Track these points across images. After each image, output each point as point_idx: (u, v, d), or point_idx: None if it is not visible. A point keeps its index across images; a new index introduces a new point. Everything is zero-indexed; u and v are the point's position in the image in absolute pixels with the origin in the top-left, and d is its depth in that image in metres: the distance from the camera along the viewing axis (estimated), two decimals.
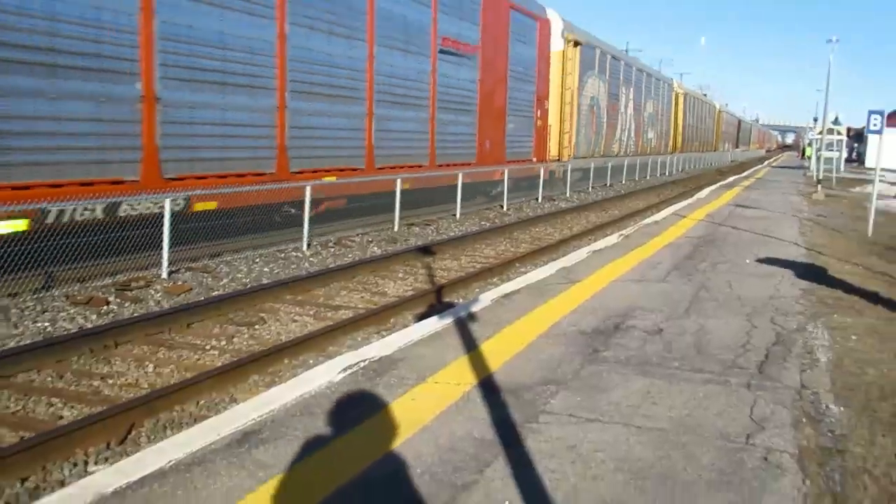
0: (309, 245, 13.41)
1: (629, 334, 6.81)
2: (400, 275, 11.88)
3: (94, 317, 8.59)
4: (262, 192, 12.84)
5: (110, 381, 6.63)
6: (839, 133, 37.31)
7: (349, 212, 16.15)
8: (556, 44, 27.07)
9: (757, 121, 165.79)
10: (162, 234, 10.45)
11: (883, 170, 54.10)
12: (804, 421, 4.78)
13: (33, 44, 9.35)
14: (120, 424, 5.42)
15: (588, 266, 10.52)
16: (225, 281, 10.73)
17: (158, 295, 9.67)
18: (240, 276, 11.09)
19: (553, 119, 27.51)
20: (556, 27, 27.20)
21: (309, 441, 4.30)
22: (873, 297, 8.93)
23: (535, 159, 25.81)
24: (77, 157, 10.03)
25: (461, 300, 9.80)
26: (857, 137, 67.15)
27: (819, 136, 44.08)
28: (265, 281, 10.81)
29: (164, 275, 10.40)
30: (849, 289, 9.39)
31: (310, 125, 14.43)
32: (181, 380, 6.53)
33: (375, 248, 14.06)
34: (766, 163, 77.84)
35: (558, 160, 27.69)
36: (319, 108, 14.68)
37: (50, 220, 9.36)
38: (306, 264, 12.27)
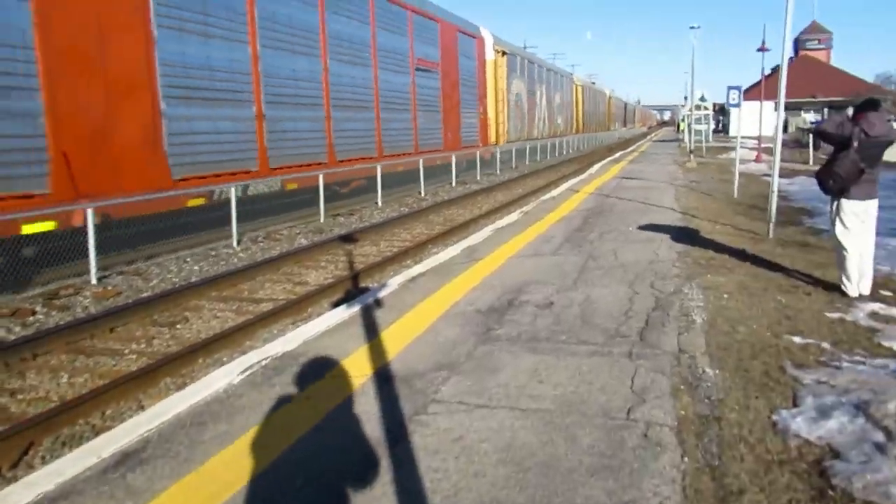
0: (239, 241, 12.54)
1: (522, 310, 6.28)
2: (322, 263, 11.14)
3: (18, 328, 7.67)
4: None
5: (20, 397, 5.79)
6: (706, 108, 37.69)
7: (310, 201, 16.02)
8: (489, 54, 30.63)
9: (639, 102, 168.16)
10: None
11: (743, 137, 55.32)
12: (682, 388, 4.32)
13: (201, 85, 12.69)
14: (14, 446, 4.63)
15: (490, 244, 9.99)
16: (155, 282, 9.83)
17: (87, 301, 8.75)
18: (170, 275, 10.20)
19: (490, 113, 30.76)
20: (489, 42, 30.64)
21: (190, 458, 3.63)
22: (741, 255, 8.62)
23: (480, 144, 29.32)
24: (226, 157, 13.36)
25: (375, 284, 9.14)
26: (722, 111, 68.43)
27: (689, 113, 44.53)
28: (194, 279, 9.96)
29: (94, 280, 9.44)
30: (719, 248, 9.08)
31: (344, 128, 17.85)
32: (93, 388, 5.74)
33: (303, 240, 13.25)
34: (647, 138, 78.81)
35: (496, 144, 31.04)
36: (355, 116, 18.53)
37: (215, 197, 13.15)
38: (235, 260, 11.43)
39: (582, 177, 22.94)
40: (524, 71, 36.88)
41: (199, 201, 12.71)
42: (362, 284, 9.49)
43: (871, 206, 6.56)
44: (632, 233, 10.57)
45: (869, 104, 6.58)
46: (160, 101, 11.73)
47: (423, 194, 20.83)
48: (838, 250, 6.67)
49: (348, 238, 12.85)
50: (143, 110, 11.40)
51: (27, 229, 9.23)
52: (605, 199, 15.30)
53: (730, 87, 16.30)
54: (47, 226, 9.51)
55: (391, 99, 20.75)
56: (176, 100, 12.06)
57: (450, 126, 25.94)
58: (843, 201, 6.49)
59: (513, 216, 13.34)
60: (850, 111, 6.78)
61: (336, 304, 7.97)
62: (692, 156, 27.87)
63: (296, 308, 8.18)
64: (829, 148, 6.73)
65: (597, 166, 28.08)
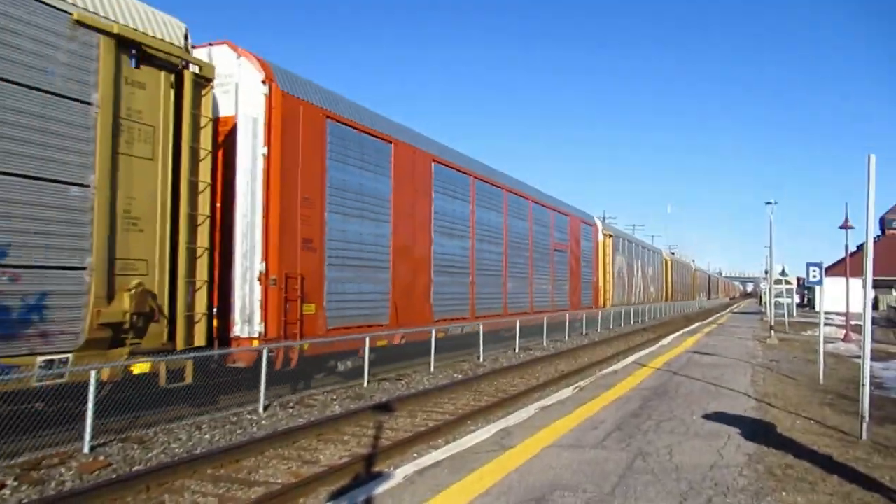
0: (267, 407, 11.54)
1: None
2: (346, 437, 9.96)
3: None
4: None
5: None
6: (788, 282, 35.79)
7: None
8: (600, 237, 37.86)
9: (720, 273, 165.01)
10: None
11: (829, 313, 52.05)
12: None
13: (445, 262, 19.48)
14: None
15: (528, 427, 8.64)
16: (155, 452, 8.84)
17: (70, 473, 7.79)
18: (174, 446, 9.20)
19: (601, 282, 37.61)
20: (600, 227, 38.32)
21: None
22: (827, 463, 6.99)
23: (594, 306, 35.68)
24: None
25: (388, 469, 7.87)
26: (809, 288, 65.48)
27: (769, 287, 42.56)
28: (199, 450, 8.92)
29: (86, 449, 8.53)
30: (799, 452, 7.45)
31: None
32: None
33: (337, 407, 12.16)
34: (728, 309, 75.78)
35: (603, 307, 37.23)
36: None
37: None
38: (255, 428, 10.38)
39: (652, 349, 21.26)
40: (624, 249, 43.84)
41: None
42: (376, 468, 8.22)
43: None
44: (695, 423, 9.02)
45: None
46: (432, 273, 18.44)
47: (481, 359, 19.61)
48: None
49: (385, 407, 11.71)
50: (425, 279, 17.98)
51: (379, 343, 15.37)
52: (672, 378, 13.71)
53: (809, 264, 14.87)
54: (383, 342, 15.67)
55: (540, 271, 27.66)
56: (440, 272, 18.84)
57: (574, 291, 32.74)
58: None
59: (566, 392, 11.95)
60: None
61: (336, 494, 6.75)
62: (773, 331, 25.77)
63: (288, 497, 6.96)
64: None
65: (670, 337, 26.30)
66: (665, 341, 24.30)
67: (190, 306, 10.74)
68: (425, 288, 18.02)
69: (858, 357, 17.60)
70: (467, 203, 20.94)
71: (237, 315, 12.04)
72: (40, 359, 8.50)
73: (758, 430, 8.57)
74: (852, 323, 28.17)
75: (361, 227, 15.08)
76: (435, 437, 9.79)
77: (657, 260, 57.65)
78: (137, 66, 9.96)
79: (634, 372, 14.67)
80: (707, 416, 9.40)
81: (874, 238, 8.29)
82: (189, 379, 10.40)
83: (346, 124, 14.56)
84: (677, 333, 29.27)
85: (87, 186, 9.18)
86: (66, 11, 8.99)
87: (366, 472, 8.09)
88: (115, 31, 9.48)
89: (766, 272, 36.22)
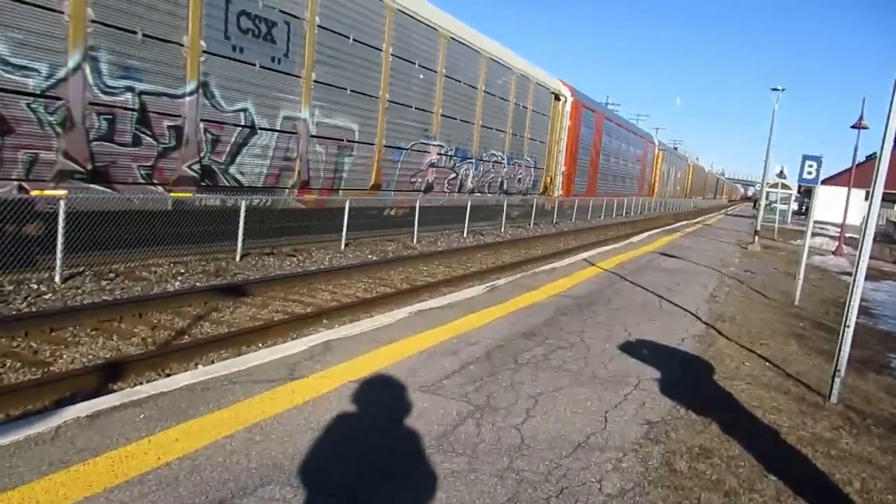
0: (68, 278, 8.78)
1: None
2: (139, 329, 7.34)
3: None
4: None
5: None
6: (786, 186, 32.64)
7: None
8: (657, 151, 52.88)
9: (723, 174, 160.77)
10: None
11: (825, 223, 49.17)
12: None
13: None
14: None
15: (366, 342, 6.01)
16: None
17: None
18: None
19: (657, 181, 52.85)
20: (656, 143, 53.62)
21: None
22: (768, 449, 4.39)
23: (649, 193, 50.61)
24: None
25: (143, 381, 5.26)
26: (807, 192, 62.36)
27: (770, 189, 39.61)
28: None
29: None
30: (732, 421, 4.85)
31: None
32: None
33: (177, 283, 9.51)
34: (723, 211, 72.78)
35: (652, 196, 50.76)
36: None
37: None
38: (24, 306, 7.73)
39: (617, 245, 18.56)
40: (669, 157, 58.03)
41: None
42: (125, 382, 5.63)
43: None
44: (602, 355, 6.38)
45: None
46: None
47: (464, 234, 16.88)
48: None
49: (235, 290, 9.09)
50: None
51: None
52: (614, 284, 11.04)
53: (805, 157, 11.84)
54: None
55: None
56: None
57: (643, 182, 47.22)
58: None
59: (472, 291, 9.31)
60: None
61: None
62: (756, 237, 22.97)
63: None
64: None
65: (645, 234, 23.59)
66: (637, 238, 21.60)
67: None
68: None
69: (848, 274, 14.77)
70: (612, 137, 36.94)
71: None
72: None
73: (686, 376, 5.96)
74: (847, 235, 25.44)
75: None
76: (229, 346, 7.01)
77: (682, 164, 67.97)
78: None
79: (575, 272, 12.00)
80: (625, 346, 6.75)
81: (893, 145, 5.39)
82: None
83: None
84: (655, 230, 26.57)
85: None
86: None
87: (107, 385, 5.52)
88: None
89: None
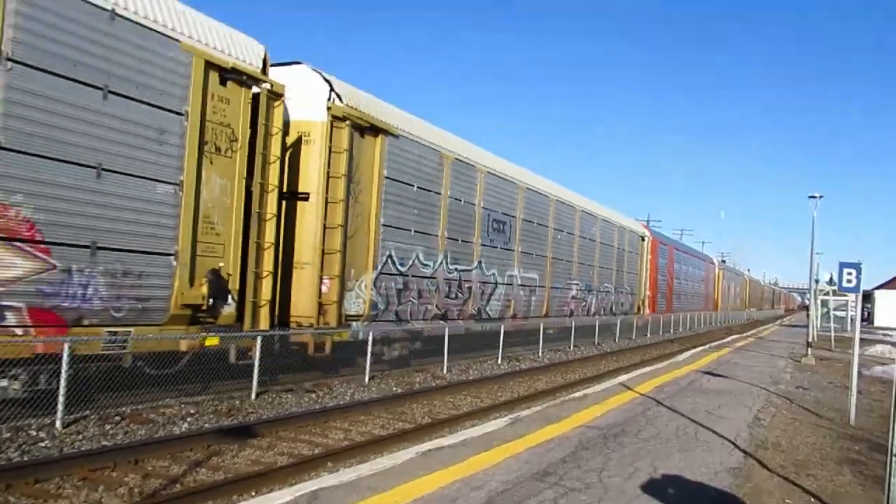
0: (70, 423, 8.45)
1: None
2: (130, 478, 6.95)
3: None
4: None
5: None
6: (834, 293, 31.35)
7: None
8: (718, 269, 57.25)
9: (776, 283, 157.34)
10: None
11: (888, 329, 46.66)
12: None
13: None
14: None
15: (370, 486, 5.60)
16: None
17: None
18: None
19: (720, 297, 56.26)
20: (717, 262, 58.75)
21: None
22: None
23: (713, 309, 52.51)
24: None
25: None
26: (866, 297, 60.02)
27: (824, 297, 38.13)
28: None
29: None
30: None
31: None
32: None
33: (184, 426, 9.13)
34: (778, 321, 70.26)
35: (716, 310, 51.21)
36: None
37: None
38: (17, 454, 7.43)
39: (659, 365, 17.70)
40: (728, 274, 63.00)
41: None
42: None
43: None
44: (620, 497, 5.75)
45: None
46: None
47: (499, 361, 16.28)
48: None
49: (244, 431, 8.72)
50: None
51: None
52: (648, 410, 10.31)
53: (843, 265, 11.18)
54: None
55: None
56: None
57: (708, 299, 51.02)
58: None
59: (493, 424, 8.77)
60: None
61: None
62: (809, 349, 21.70)
63: None
64: None
65: (690, 352, 22.54)
66: (682, 356, 20.62)
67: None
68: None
69: None
70: (681, 263, 42.99)
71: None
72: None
73: None
74: None
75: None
76: (219, 496, 6.54)
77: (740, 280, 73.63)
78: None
79: (608, 398, 11.30)
80: (648, 485, 6.09)
81: None
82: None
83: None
84: (703, 347, 25.45)
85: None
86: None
87: None
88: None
89: (817, 281, 31.96)
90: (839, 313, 45.69)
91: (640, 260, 33.44)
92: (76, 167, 8.61)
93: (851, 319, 46.43)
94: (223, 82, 10.58)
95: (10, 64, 7.89)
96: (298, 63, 13.19)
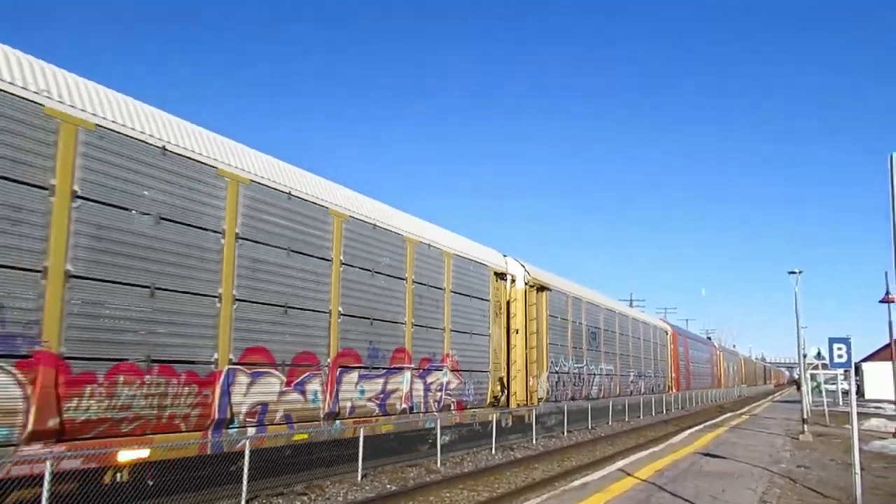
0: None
1: None
2: None
3: None
4: None
5: None
6: (823, 367, 31.28)
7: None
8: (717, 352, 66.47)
9: (762, 358, 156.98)
10: None
11: (879, 401, 46.44)
12: None
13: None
14: None
15: None
16: None
17: None
18: None
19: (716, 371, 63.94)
20: (717, 344, 72.12)
21: None
22: None
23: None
24: None
25: None
26: (855, 371, 59.85)
27: (813, 370, 38.11)
28: None
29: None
30: None
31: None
32: None
33: None
34: (769, 397, 69.63)
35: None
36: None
37: None
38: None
39: (656, 448, 17.37)
40: (726, 355, 72.92)
41: None
42: None
43: None
44: None
45: None
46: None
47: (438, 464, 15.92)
48: None
49: None
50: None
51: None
52: (651, 496, 10.08)
53: (832, 340, 11.26)
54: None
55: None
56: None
57: (713, 377, 60.26)
58: None
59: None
60: None
61: None
62: (805, 425, 21.47)
63: None
64: None
65: (686, 433, 22.21)
66: (678, 438, 20.30)
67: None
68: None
69: None
70: (692, 350, 52.93)
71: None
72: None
73: None
74: None
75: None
76: None
77: (734, 359, 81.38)
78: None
79: (608, 486, 11.12)
80: None
81: None
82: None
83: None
84: (698, 427, 25.10)
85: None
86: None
87: None
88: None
89: (805, 355, 31.92)
90: (829, 387, 45.50)
91: (666, 350, 43.33)
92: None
93: (842, 393, 46.18)
94: (496, 278, 20.06)
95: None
96: (506, 255, 21.55)
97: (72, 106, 8.55)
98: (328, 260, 12.78)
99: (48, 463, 7.49)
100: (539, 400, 21.24)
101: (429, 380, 15.62)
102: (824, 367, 32.03)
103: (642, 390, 35.39)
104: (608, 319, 30.86)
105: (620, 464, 14.10)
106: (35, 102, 8.16)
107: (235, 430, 10.43)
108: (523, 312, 20.90)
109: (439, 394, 16.02)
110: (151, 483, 9.30)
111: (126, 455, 8.57)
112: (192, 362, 9.72)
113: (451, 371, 16.62)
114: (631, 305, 62.47)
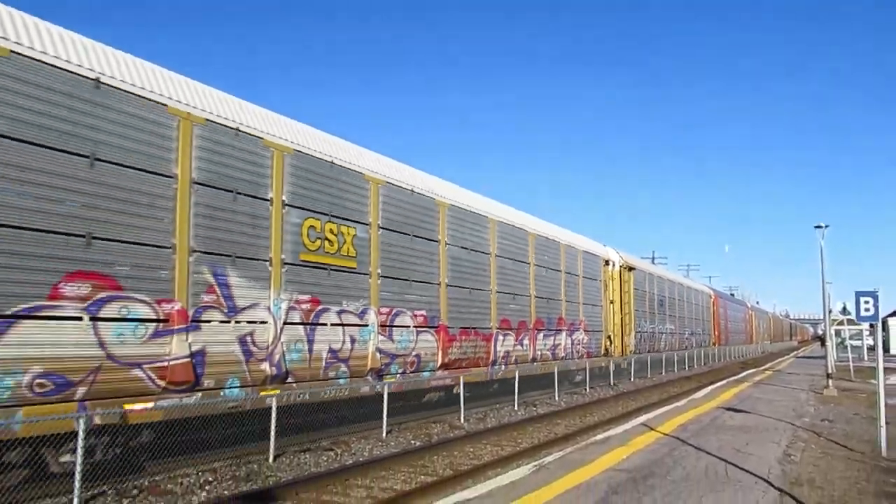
0: (89, 499, 8.33)
1: None
2: None
3: None
4: None
5: None
6: (854, 322, 30.90)
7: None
8: (747, 311, 73.69)
9: (787, 315, 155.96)
10: None
11: None
12: None
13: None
14: None
15: None
16: None
17: None
18: None
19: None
20: (752, 303, 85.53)
21: None
22: None
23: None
24: None
25: None
26: (882, 325, 59.08)
27: (838, 326, 37.73)
28: None
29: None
30: None
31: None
32: None
33: (203, 494, 8.85)
34: (793, 353, 69.37)
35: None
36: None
37: None
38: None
39: (679, 403, 17.39)
40: (758, 314, 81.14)
41: None
42: None
43: None
44: None
45: None
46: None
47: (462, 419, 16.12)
48: None
49: (263, 496, 8.51)
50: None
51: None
52: (674, 450, 10.15)
53: (859, 293, 11.09)
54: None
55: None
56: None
57: (746, 334, 68.66)
58: None
59: (519, 472, 8.59)
60: None
61: None
62: (830, 380, 21.32)
63: None
64: None
65: (708, 388, 22.19)
66: (701, 393, 20.28)
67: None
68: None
69: None
70: (729, 310, 60.99)
71: None
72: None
73: None
74: None
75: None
76: None
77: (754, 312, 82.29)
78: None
79: (632, 439, 11.17)
80: None
81: None
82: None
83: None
84: (721, 382, 25.06)
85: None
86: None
87: None
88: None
89: (830, 311, 31.57)
90: (854, 342, 45.03)
91: (710, 311, 50.53)
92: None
93: (868, 348, 45.77)
94: (604, 264, 27.78)
95: None
96: (606, 245, 29.48)
97: (186, 104, 10.41)
98: (560, 271, 23.78)
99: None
100: (630, 352, 29.64)
101: (573, 337, 23.86)
102: (850, 322, 31.70)
103: (693, 345, 43.30)
104: (670, 289, 38.64)
105: (643, 418, 14.16)
106: (160, 104, 10.02)
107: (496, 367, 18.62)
108: (619, 287, 28.97)
109: (578, 347, 24.37)
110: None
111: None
112: (479, 328, 17.93)
113: (584, 331, 24.85)
114: (653, 262, 64.71)
